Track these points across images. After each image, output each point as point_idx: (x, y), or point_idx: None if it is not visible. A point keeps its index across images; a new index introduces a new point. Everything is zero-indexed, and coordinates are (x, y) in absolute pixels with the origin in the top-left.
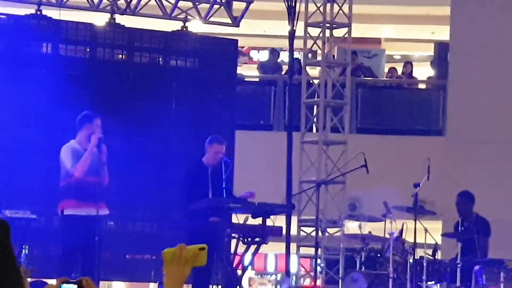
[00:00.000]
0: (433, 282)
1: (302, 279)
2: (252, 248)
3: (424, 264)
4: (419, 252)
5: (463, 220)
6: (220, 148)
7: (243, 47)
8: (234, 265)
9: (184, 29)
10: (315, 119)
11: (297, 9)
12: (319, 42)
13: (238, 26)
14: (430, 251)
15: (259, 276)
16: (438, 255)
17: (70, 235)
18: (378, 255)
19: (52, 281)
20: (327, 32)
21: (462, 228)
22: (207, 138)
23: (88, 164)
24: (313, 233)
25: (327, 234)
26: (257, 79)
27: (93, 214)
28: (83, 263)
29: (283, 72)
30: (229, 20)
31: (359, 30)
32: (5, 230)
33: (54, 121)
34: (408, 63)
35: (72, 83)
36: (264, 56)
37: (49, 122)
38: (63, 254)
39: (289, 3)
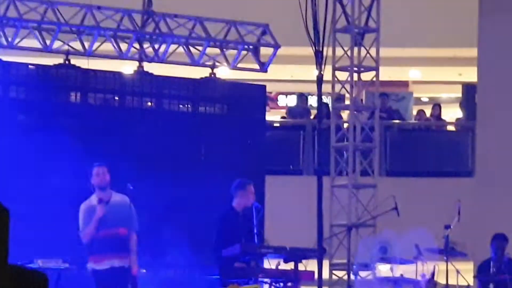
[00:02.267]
0: None
1: None
2: None
3: None
4: None
5: (495, 261)
6: (249, 191)
7: (270, 93)
8: None
9: (212, 75)
10: (344, 163)
11: (324, 54)
12: (347, 86)
13: (266, 71)
14: None
15: None
16: None
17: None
18: None
19: None
20: (355, 75)
21: (494, 269)
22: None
23: (93, 228)
24: (345, 277)
25: (359, 277)
26: (286, 124)
27: (116, 266)
28: None
29: (311, 117)
30: (256, 66)
31: (386, 73)
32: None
33: (85, 169)
34: (436, 105)
35: (101, 132)
36: (292, 101)
37: (79, 171)
38: None
39: (316, 48)
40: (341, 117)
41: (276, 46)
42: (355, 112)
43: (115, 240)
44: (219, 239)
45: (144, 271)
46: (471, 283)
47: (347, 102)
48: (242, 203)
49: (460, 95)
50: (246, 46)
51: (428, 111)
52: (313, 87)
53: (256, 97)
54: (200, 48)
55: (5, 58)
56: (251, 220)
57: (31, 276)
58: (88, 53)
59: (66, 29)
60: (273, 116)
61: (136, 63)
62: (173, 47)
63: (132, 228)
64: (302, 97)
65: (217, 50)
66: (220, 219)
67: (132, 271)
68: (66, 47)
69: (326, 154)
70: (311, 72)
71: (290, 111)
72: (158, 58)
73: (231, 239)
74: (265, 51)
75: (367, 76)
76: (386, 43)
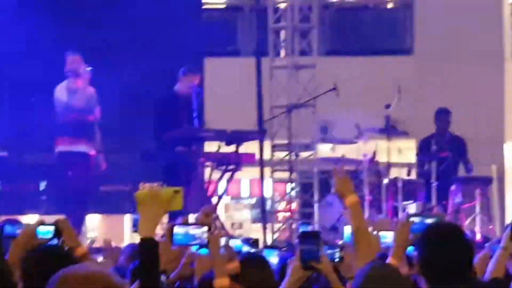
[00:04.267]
0: (409, 202)
1: (277, 203)
2: (227, 175)
3: (399, 184)
4: (394, 173)
5: (437, 137)
6: (195, 79)
7: None
8: (208, 193)
9: None
10: (283, 44)
11: None
12: None
13: None
14: (404, 171)
15: (234, 201)
16: (413, 175)
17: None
18: (353, 177)
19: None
20: None
21: (435, 147)
22: (180, 68)
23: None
24: (287, 158)
25: (300, 158)
26: (223, 6)
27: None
28: (73, 199)
29: None
30: None
31: None
32: None
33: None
34: None
35: (40, 21)
36: None
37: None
38: (58, 190)
39: None
40: None
41: None
42: None
43: (85, 126)
44: (159, 123)
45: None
46: (413, 161)
47: None
48: (184, 89)
49: None
50: None
51: None
52: None
53: None
54: None
55: None
56: (191, 104)
57: None
58: None
59: None
60: None
61: None
62: None
63: (98, 119)
64: None
65: None
66: (160, 102)
67: (96, 157)
68: None
69: (264, 35)
70: None
71: None
72: None
73: (171, 123)
74: None
75: None
76: None
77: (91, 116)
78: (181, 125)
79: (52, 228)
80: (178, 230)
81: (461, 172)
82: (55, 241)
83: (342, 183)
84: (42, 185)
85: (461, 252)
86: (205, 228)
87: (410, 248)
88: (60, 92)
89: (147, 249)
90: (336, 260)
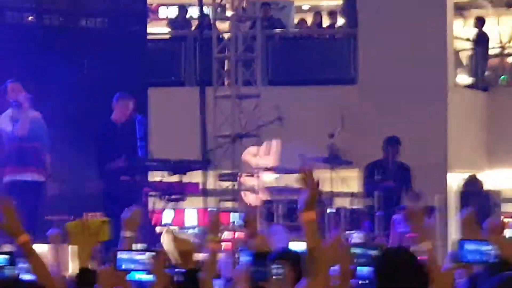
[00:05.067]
0: (352, 231)
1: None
2: (170, 205)
3: (342, 214)
4: (338, 202)
5: (381, 164)
6: (128, 103)
7: (151, 5)
8: (153, 223)
9: None
10: (227, 74)
11: None
12: None
13: None
14: (347, 200)
15: (179, 231)
16: (356, 204)
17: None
18: (296, 207)
19: None
20: None
21: (379, 177)
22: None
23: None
24: (231, 187)
25: (243, 187)
26: (167, 36)
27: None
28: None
29: (192, 28)
30: None
31: None
32: None
33: None
34: (317, 14)
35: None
36: (173, 12)
37: None
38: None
39: None
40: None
41: None
42: (236, 22)
43: (33, 154)
44: (100, 153)
45: None
46: (355, 190)
47: (228, 12)
48: (118, 116)
49: (340, 2)
50: None
51: (309, 20)
52: None
53: (136, 9)
54: None
55: None
56: (134, 133)
57: None
58: None
59: None
60: (154, 28)
61: None
62: None
63: (45, 143)
64: (183, 8)
65: None
66: (99, 131)
67: (45, 183)
68: None
69: (208, 65)
70: None
71: (171, 22)
72: None
73: (112, 152)
74: None
75: None
76: None
77: (36, 143)
78: (120, 153)
79: (7, 256)
80: (121, 255)
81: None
82: (11, 269)
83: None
84: None
85: (418, 278)
86: (151, 253)
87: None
88: (4, 121)
89: (83, 279)
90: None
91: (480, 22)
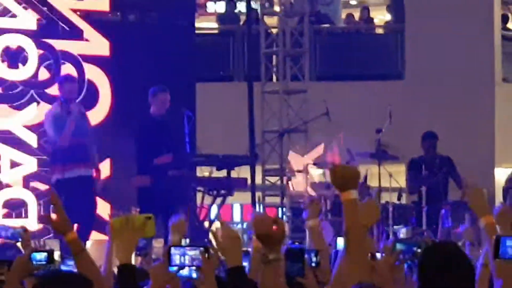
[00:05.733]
0: (399, 226)
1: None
2: (218, 200)
3: (390, 209)
4: (384, 197)
5: (425, 160)
6: (165, 96)
7: None
8: (200, 218)
9: None
10: (275, 69)
11: None
12: None
13: None
14: (395, 196)
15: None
16: (403, 199)
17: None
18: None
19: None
20: None
21: (426, 171)
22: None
23: (67, 139)
24: (278, 182)
25: (291, 182)
26: (215, 31)
27: (83, 174)
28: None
29: (241, 23)
30: None
31: None
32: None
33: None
34: (364, 9)
35: None
36: (221, 7)
37: None
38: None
39: None
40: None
41: None
42: (284, 17)
43: (80, 150)
44: (141, 148)
45: None
46: (403, 185)
47: (276, 7)
48: (156, 110)
49: None
50: None
51: (356, 15)
52: None
53: (184, 3)
54: None
55: None
56: (177, 127)
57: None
58: None
59: None
60: (202, 23)
61: None
62: None
63: (92, 139)
64: (231, 3)
65: None
66: (138, 127)
67: (96, 178)
68: None
69: (256, 60)
70: None
71: (220, 17)
72: None
73: (154, 147)
74: None
75: None
76: None
77: (83, 139)
78: (162, 148)
79: (45, 254)
80: (175, 251)
81: (452, 195)
82: (50, 267)
83: (345, 173)
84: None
85: (465, 275)
86: (201, 249)
87: None
88: (51, 121)
89: (125, 275)
90: (313, 265)
91: None
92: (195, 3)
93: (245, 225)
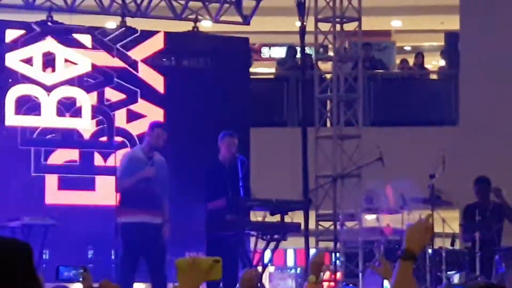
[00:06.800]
0: (452, 272)
1: (321, 273)
2: (272, 244)
3: (443, 254)
4: (438, 243)
5: (479, 206)
6: (232, 141)
7: (254, 44)
8: (254, 262)
9: (195, 29)
10: (328, 114)
11: (306, 5)
12: (330, 37)
13: (248, 24)
14: (448, 241)
15: (279, 271)
16: (457, 245)
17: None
18: (397, 246)
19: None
20: (338, 26)
21: (480, 217)
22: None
23: (135, 182)
24: (331, 227)
25: (345, 227)
26: (269, 76)
27: (148, 221)
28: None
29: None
30: (239, 19)
31: (369, 23)
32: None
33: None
34: (419, 54)
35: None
36: (276, 52)
37: None
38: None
39: None
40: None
41: None
42: (338, 62)
43: (150, 197)
44: (208, 192)
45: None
46: (457, 231)
47: (330, 53)
48: (224, 155)
49: (442, 43)
50: None
51: (411, 60)
52: (296, 38)
53: (239, 49)
54: (182, 1)
55: None
56: (237, 172)
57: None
58: (71, 9)
59: None
60: (257, 68)
61: (119, 18)
62: (155, 1)
63: (166, 188)
64: (291, 49)
65: (199, 4)
66: (207, 172)
67: (163, 230)
68: (48, 3)
69: (310, 106)
70: (294, 24)
71: (280, 63)
72: (141, 13)
73: (218, 192)
74: (248, 4)
75: (349, 26)
76: None
77: (159, 187)
78: (226, 193)
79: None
80: None
81: (505, 241)
82: None
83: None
84: (90, 253)
85: None
86: None
87: None
88: (131, 163)
89: None
90: None
91: None
92: (250, 48)
93: (298, 270)
